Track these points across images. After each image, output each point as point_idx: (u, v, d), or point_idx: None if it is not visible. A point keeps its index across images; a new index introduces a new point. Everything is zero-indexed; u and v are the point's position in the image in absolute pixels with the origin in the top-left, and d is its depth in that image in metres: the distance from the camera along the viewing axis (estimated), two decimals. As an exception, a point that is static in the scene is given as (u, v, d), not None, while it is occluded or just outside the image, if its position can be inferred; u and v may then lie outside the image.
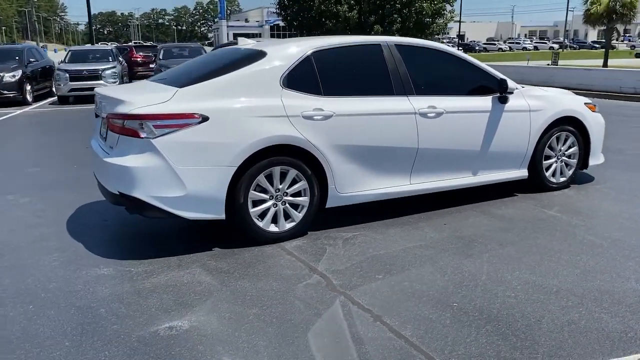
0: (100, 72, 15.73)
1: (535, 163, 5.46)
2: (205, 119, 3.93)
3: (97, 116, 4.82)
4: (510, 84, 5.08)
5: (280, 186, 4.26)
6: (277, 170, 4.21)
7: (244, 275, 3.74)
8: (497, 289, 3.48)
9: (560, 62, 29.08)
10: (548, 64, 27.70)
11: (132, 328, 3.06)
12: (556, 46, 70.77)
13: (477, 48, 68.66)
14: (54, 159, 7.73)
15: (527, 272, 3.72)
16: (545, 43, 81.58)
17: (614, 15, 30.60)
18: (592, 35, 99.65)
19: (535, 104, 5.33)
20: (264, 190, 4.22)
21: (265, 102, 4.16)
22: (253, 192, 4.15)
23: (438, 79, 5.11)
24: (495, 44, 75.71)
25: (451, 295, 3.39)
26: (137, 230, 4.75)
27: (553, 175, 5.63)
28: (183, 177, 3.89)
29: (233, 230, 4.37)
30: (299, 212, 4.37)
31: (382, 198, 4.73)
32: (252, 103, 4.12)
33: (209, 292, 3.49)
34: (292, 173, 4.27)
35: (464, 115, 4.93)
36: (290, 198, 4.32)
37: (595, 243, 4.24)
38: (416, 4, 28.34)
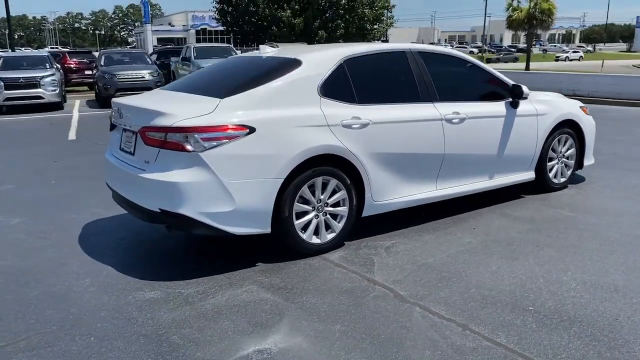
0: (38, 80, 14.79)
1: (541, 165, 5.67)
2: (252, 130, 3.78)
3: (112, 128, 4.53)
4: (525, 89, 5.24)
5: (322, 197, 4.17)
6: (319, 181, 4.12)
7: (305, 290, 3.62)
8: (560, 290, 3.56)
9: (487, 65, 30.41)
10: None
11: (218, 355, 2.88)
12: (476, 50, 74.02)
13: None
14: (25, 175, 7.15)
15: (579, 272, 3.84)
16: (465, 47, 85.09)
17: (534, 21, 32.55)
18: (507, 39, 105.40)
19: (541, 108, 5.53)
20: (306, 202, 4.11)
21: (307, 112, 4.06)
22: (297, 204, 4.03)
23: (458, 85, 5.20)
24: (419, 49, 77.71)
25: (522, 300, 3.44)
26: (162, 248, 4.49)
27: (555, 176, 5.86)
28: (232, 191, 3.72)
29: (272, 243, 4.23)
30: (339, 223, 4.30)
31: (411, 205, 4.73)
32: (295, 112, 4.01)
33: (279, 310, 3.34)
34: (333, 183, 4.19)
35: (483, 121, 5.04)
36: (331, 208, 4.24)
37: (622, 241, 4.44)
38: (358, 10, 28.80)
